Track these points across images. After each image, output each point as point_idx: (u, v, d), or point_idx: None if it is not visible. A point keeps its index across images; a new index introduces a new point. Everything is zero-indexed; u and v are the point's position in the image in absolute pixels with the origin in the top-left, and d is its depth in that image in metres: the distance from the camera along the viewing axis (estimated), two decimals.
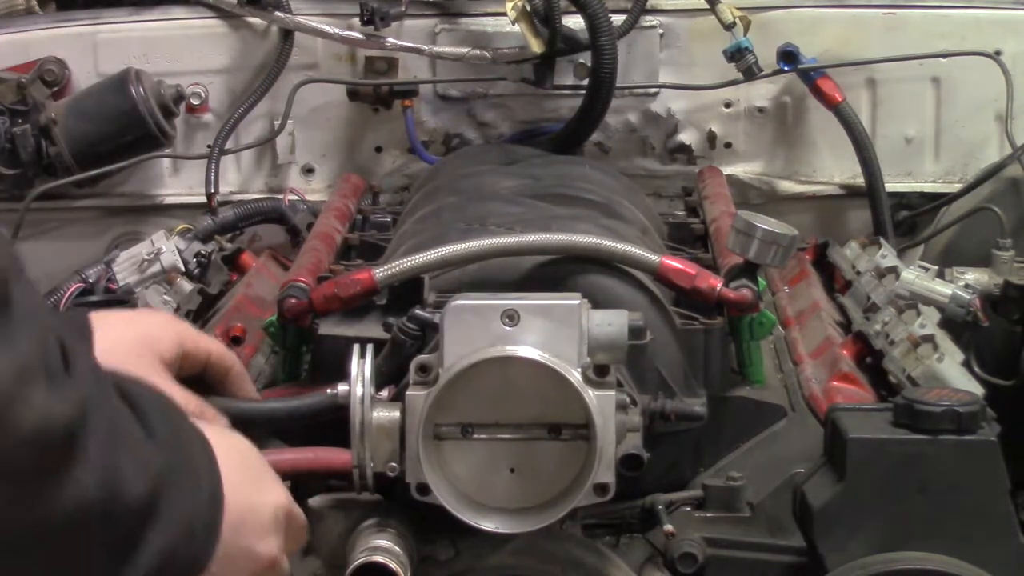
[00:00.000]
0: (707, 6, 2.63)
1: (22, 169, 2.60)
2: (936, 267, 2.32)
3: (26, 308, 0.91)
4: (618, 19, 2.58)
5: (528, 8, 2.52)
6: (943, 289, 2.21)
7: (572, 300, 1.52)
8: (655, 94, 2.79)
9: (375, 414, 1.53)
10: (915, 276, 2.24)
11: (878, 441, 1.60)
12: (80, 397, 0.93)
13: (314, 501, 1.63)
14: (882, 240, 2.50)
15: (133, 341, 1.36)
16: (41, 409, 0.89)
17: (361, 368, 1.55)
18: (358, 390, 1.53)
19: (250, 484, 1.19)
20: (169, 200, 2.81)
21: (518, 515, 1.52)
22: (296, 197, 2.72)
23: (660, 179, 2.83)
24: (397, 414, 1.53)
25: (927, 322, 2.09)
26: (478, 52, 2.67)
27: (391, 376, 1.64)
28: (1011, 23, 2.73)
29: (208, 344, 1.50)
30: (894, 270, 2.30)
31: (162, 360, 1.39)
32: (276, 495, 1.26)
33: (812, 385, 1.98)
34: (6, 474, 0.88)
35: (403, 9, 2.69)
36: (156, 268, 2.41)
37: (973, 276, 2.38)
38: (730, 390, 1.90)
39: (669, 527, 1.71)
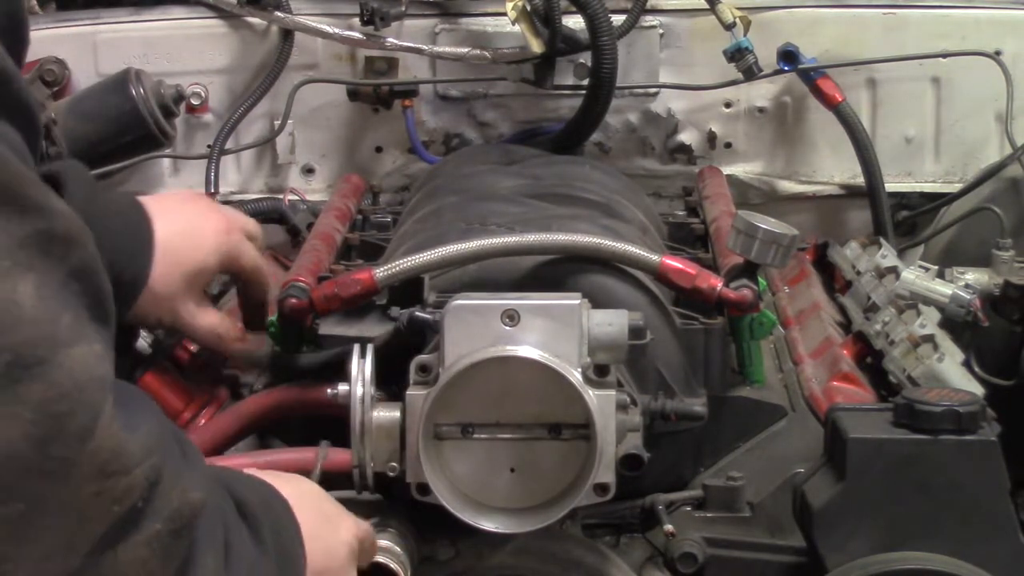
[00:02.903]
0: (707, 6, 2.63)
1: None
2: (936, 267, 2.32)
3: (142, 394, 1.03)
4: (618, 19, 2.58)
5: (528, 8, 2.52)
6: (943, 289, 2.21)
7: (572, 300, 1.52)
8: (655, 94, 2.79)
9: (375, 414, 1.53)
10: (915, 276, 2.24)
11: (878, 441, 1.60)
12: (206, 479, 1.05)
13: None
14: (882, 240, 2.50)
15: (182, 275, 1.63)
16: (185, 483, 1.00)
17: (361, 368, 1.55)
18: (358, 390, 1.53)
19: (325, 527, 1.30)
20: None
21: (518, 515, 1.52)
22: (296, 197, 2.72)
23: (660, 179, 2.83)
24: (397, 414, 1.53)
25: (927, 322, 2.09)
26: (478, 52, 2.66)
27: (388, 361, 1.63)
28: (1011, 23, 2.73)
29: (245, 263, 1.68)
30: (894, 270, 2.30)
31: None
32: (347, 529, 1.35)
33: (812, 385, 1.98)
34: (152, 532, 0.98)
35: (403, 9, 2.69)
36: None
37: (973, 276, 2.38)
38: (730, 390, 1.90)
39: (669, 527, 1.71)
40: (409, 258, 1.77)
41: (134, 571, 0.95)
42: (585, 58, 2.62)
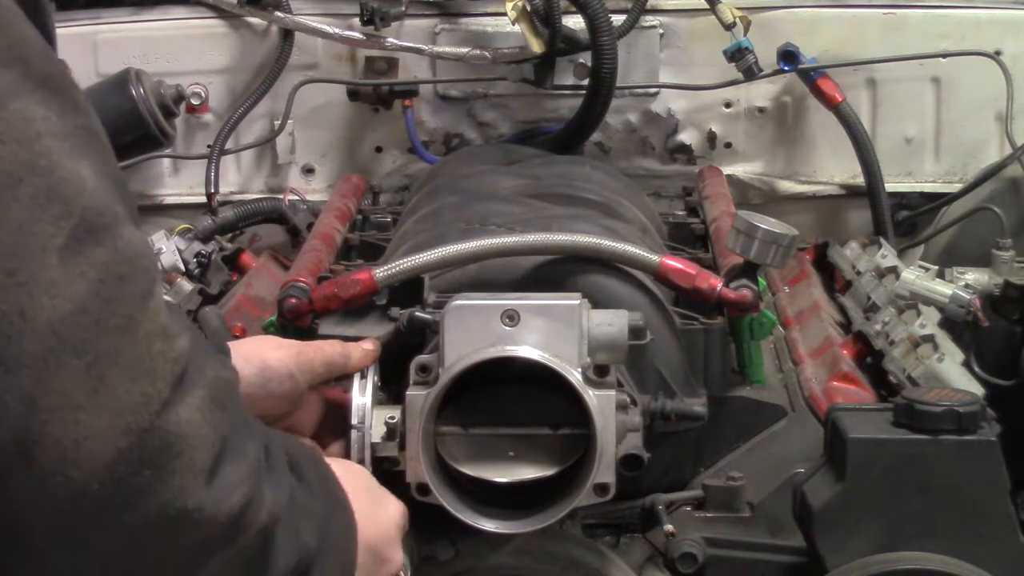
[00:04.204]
0: (707, 6, 2.63)
1: None
2: (936, 267, 2.32)
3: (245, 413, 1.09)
4: (618, 19, 2.58)
5: (528, 8, 2.52)
6: (943, 289, 2.21)
7: (572, 300, 1.52)
8: (655, 94, 2.79)
9: (375, 414, 1.53)
10: (915, 276, 2.24)
11: (878, 441, 1.60)
12: (282, 484, 1.11)
13: None
14: (882, 240, 2.50)
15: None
16: (268, 504, 1.06)
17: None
18: (358, 390, 1.53)
19: (374, 505, 1.33)
20: (169, 200, 2.81)
21: (518, 515, 1.51)
22: (296, 197, 2.72)
23: (660, 179, 2.83)
24: (397, 414, 1.53)
25: (927, 322, 2.09)
26: (478, 52, 2.67)
27: (388, 361, 1.63)
28: (1011, 23, 2.73)
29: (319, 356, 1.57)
30: (894, 270, 2.30)
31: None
32: (393, 507, 1.37)
33: (812, 385, 1.98)
34: (240, 561, 1.05)
35: (403, 9, 2.69)
36: None
37: (973, 276, 2.38)
38: (730, 390, 1.90)
39: (669, 527, 1.71)
40: (409, 258, 1.77)
41: (191, 431, 0.99)
42: (585, 58, 2.62)
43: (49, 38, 1.04)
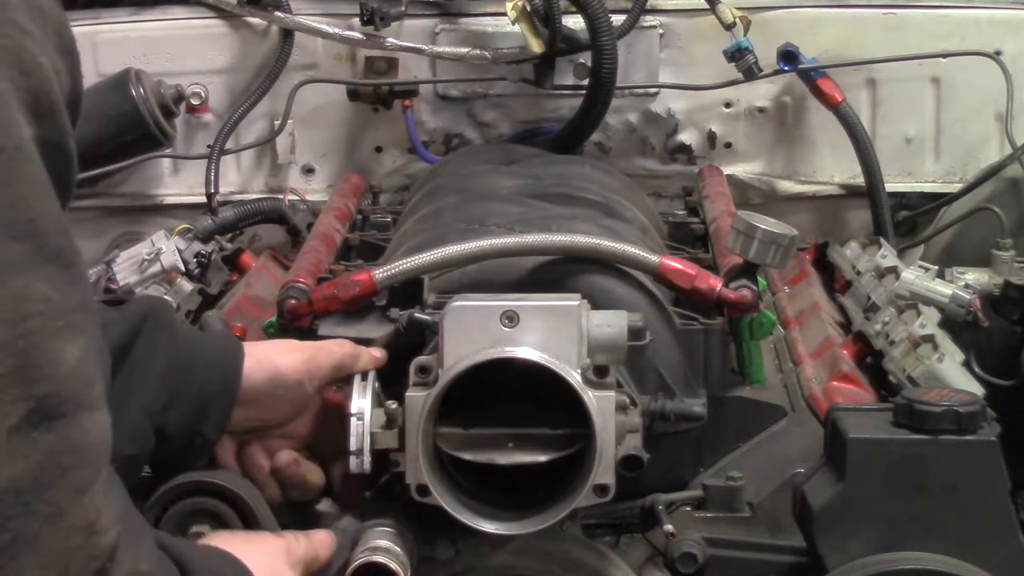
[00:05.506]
0: (707, 6, 2.63)
1: None
2: (936, 267, 2.32)
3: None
4: (618, 19, 2.58)
5: (528, 8, 2.52)
6: (943, 289, 2.21)
7: (572, 301, 1.52)
8: (655, 94, 2.79)
9: (375, 415, 1.53)
10: (915, 276, 2.24)
11: (878, 441, 1.60)
12: (154, 554, 1.11)
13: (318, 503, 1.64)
14: (882, 240, 2.50)
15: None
16: (136, 552, 1.07)
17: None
18: (357, 391, 1.53)
19: None
20: (169, 200, 2.82)
21: (518, 516, 1.51)
22: (296, 197, 2.72)
23: (660, 179, 2.83)
24: (397, 415, 1.53)
25: (927, 322, 2.09)
26: (478, 52, 2.67)
27: (388, 362, 1.63)
28: (1011, 23, 2.73)
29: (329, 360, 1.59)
30: (894, 270, 2.30)
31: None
32: None
33: (812, 385, 1.98)
34: None
35: (403, 9, 2.69)
36: (156, 268, 2.41)
37: (973, 276, 2.38)
38: (730, 390, 1.90)
39: (669, 527, 1.71)
40: (408, 259, 1.76)
41: None
42: (585, 58, 2.62)
43: (69, 185, 1.08)
